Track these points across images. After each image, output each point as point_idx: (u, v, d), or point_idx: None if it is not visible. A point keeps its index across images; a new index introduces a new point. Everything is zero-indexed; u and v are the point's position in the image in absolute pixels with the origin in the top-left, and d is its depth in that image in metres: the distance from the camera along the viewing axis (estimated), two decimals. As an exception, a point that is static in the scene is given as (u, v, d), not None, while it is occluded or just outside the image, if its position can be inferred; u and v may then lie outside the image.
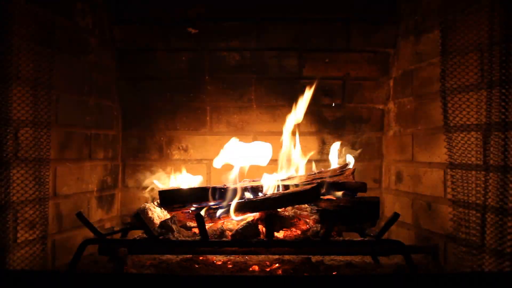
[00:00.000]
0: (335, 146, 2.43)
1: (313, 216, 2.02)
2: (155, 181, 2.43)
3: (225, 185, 2.15)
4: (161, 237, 1.92)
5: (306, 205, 2.07)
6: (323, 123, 2.64)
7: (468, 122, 1.75)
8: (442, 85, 1.86)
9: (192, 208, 2.16)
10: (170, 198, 2.12)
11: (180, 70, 2.63)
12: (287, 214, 2.10)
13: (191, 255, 2.09)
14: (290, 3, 2.55)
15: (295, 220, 2.08)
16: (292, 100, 2.58)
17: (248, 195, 2.12)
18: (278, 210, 2.08)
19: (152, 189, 2.46)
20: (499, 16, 1.63)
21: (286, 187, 2.18)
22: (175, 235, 1.94)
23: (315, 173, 2.34)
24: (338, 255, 2.16)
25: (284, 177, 2.29)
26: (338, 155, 2.46)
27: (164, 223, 1.99)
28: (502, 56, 1.61)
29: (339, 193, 2.15)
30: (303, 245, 1.91)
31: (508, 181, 1.57)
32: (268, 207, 2.02)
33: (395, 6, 2.51)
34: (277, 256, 2.10)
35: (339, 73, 2.63)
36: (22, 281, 1.49)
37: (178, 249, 2.00)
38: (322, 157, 2.58)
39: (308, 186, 2.06)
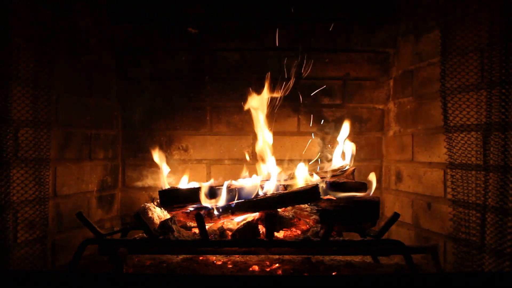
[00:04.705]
0: (336, 146, 2.43)
1: (313, 216, 2.02)
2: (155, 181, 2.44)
3: (225, 185, 2.15)
4: (161, 237, 1.92)
5: (306, 205, 2.07)
6: (323, 123, 2.64)
7: (468, 122, 1.75)
8: (442, 85, 1.86)
9: (191, 208, 2.15)
10: (170, 198, 2.12)
11: (180, 70, 2.63)
12: (287, 214, 2.10)
13: (191, 255, 2.09)
14: (290, 3, 2.55)
15: (295, 220, 2.08)
16: (292, 100, 2.59)
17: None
18: (278, 210, 2.08)
19: (152, 188, 2.46)
20: (499, 16, 1.64)
21: (286, 187, 2.19)
22: (175, 235, 1.94)
23: (315, 173, 2.34)
24: (338, 255, 2.16)
25: (284, 177, 2.29)
26: (338, 155, 2.46)
27: (164, 223, 1.99)
28: (502, 56, 1.61)
29: (339, 193, 2.15)
30: (303, 245, 1.90)
31: (508, 181, 1.57)
32: (268, 207, 2.02)
33: (395, 6, 2.51)
34: (277, 256, 2.10)
35: (339, 73, 2.63)
36: (22, 281, 1.49)
37: (178, 249, 2.00)
38: (322, 157, 2.58)
39: (308, 186, 2.06)
